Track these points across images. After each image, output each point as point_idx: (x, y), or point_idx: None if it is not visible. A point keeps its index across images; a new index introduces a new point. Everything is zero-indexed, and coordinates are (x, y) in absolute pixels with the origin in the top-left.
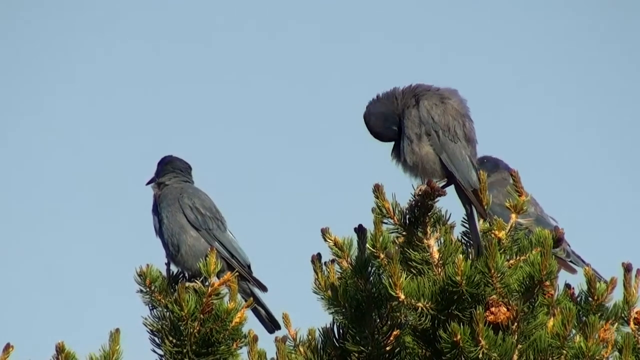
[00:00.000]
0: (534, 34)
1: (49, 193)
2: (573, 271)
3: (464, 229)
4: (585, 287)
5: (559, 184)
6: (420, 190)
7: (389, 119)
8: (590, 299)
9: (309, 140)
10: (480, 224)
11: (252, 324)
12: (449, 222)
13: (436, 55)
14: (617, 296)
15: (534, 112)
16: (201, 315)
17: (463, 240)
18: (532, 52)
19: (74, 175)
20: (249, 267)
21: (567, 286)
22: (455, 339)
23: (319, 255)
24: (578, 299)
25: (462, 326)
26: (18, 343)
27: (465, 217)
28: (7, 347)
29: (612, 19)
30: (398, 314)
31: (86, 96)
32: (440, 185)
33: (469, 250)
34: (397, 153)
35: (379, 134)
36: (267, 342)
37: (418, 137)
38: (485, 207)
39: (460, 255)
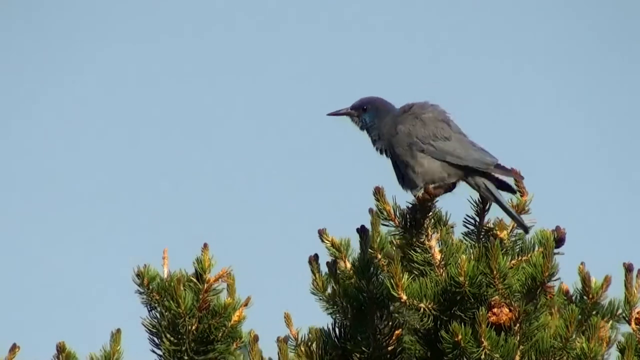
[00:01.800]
0: (533, 33)
1: (49, 193)
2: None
3: (466, 229)
4: (579, 286)
5: (559, 184)
6: (418, 198)
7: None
8: (585, 297)
9: (309, 139)
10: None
11: (252, 324)
12: (450, 223)
13: (436, 55)
14: (613, 294)
15: (533, 112)
16: (199, 313)
17: (465, 241)
18: (532, 51)
19: (74, 175)
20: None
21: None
22: (456, 339)
23: (316, 256)
24: (573, 298)
25: (463, 326)
26: (21, 343)
27: (469, 215)
28: (14, 348)
29: (612, 19)
30: (399, 314)
31: (86, 96)
32: (435, 186)
33: (471, 250)
34: (403, 181)
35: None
36: (267, 342)
37: (413, 157)
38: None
39: (463, 256)
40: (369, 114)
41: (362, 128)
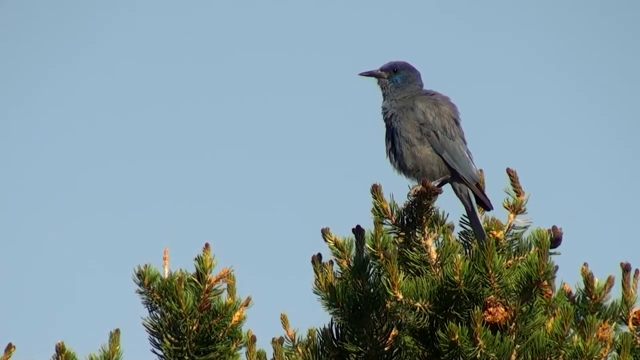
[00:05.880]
0: (533, 33)
1: (48, 191)
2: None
3: (462, 229)
4: (582, 287)
5: (558, 184)
6: (415, 190)
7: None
8: (587, 298)
9: (310, 139)
10: (482, 220)
11: (250, 324)
12: (446, 222)
13: (438, 55)
14: (614, 295)
15: (533, 111)
16: (200, 313)
17: (461, 241)
18: (532, 50)
19: (74, 173)
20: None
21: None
22: (453, 339)
23: (319, 256)
24: (575, 299)
25: (460, 326)
26: (18, 343)
27: (466, 215)
28: (9, 347)
29: (611, 19)
30: (397, 314)
31: (87, 96)
32: (436, 184)
33: (468, 250)
34: (394, 154)
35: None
36: (266, 342)
37: (419, 140)
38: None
39: (459, 255)
40: (401, 76)
41: (389, 89)
